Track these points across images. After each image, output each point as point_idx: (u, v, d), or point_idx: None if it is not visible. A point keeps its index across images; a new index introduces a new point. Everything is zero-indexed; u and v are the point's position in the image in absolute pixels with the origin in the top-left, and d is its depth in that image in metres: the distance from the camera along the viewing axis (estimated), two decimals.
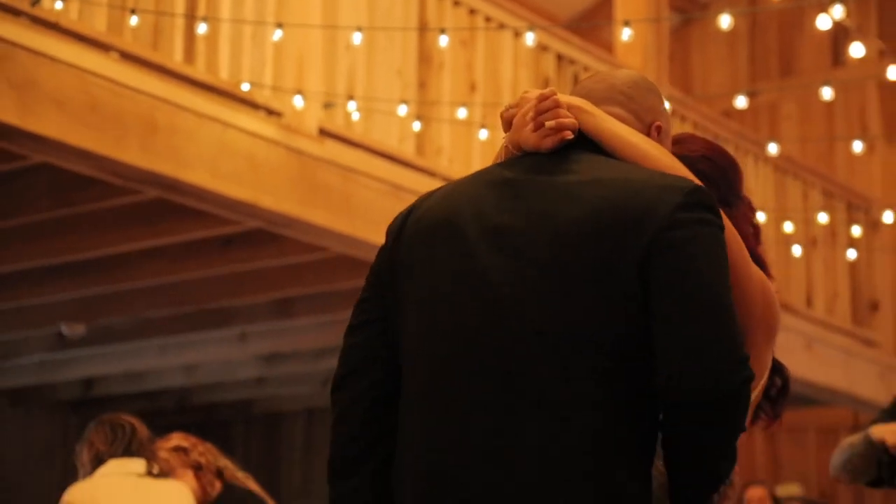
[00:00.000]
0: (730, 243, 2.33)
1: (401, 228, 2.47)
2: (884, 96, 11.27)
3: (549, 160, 2.41)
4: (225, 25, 6.26)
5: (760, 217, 9.11)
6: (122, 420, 5.11)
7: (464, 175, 2.57)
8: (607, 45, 9.15)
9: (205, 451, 5.47)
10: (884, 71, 8.17)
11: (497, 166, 2.48)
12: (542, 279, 2.28)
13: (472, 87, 7.42)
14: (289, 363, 9.96)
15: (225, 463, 5.52)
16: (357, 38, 6.67)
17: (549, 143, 2.41)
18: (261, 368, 10.21)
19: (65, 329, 8.92)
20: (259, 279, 7.92)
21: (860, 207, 10.46)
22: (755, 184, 9.51)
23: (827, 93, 7.82)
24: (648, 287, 2.23)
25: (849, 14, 7.65)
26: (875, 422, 4.22)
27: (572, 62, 8.03)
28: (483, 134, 7.22)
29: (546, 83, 7.71)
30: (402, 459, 2.37)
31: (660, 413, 2.28)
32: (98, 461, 5.03)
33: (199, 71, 6.08)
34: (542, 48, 7.84)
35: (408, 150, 7.08)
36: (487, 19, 7.47)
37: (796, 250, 9.53)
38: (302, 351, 9.54)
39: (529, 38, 7.42)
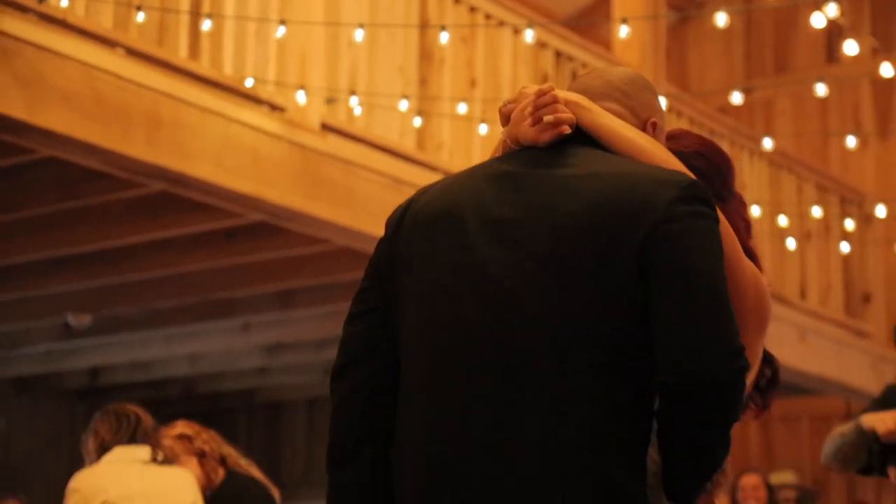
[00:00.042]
0: (724, 237, 2.33)
1: (400, 221, 2.47)
2: (877, 93, 11.27)
3: (546, 154, 2.41)
4: (229, 22, 6.26)
5: (755, 211, 9.17)
6: (126, 410, 5.13)
7: (464, 169, 2.57)
8: (605, 43, 9.15)
9: (208, 439, 5.48)
10: (877, 68, 8.18)
11: (496, 160, 2.48)
12: (542, 272, 2.28)
13: (473, 83, 7.42)
14: (291, 353, 9.96)
15: (228, 450, 5.53)
16: (359, 34, 6.67)
17: (546, 137, 2.42)
18: (264, 358, 10.21)
19: (71, 319, 8.93)
20: (262, 271, 7.92)
21: (853, 201, 10.47)
22: (750, 178, 9.51)
23: (821, 89, 7.83)
24: (646, 279, 2.23)
25: (842, 12, 7.64)
26: (865, 411, 4.23)
27: (571, 59, 8.03)
28: (483, 129, 7.22)
29: (545, 79, 7.71)
30: (402, 451, 2.36)
31: (655, 406, 2.29)
32: (104, 449, 5.04)
33: (203, 67, 6.08)
34: (540, 45, 7.84)
35: (409, 145, 7.08)
36: (487, 17, 7.47)
37: (790, 243, 9.53)
38: (304, 341, 9.55)
39: (529, 36, 7.42)
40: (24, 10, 5.34)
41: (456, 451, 2.27)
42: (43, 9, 5.40)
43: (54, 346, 9.98)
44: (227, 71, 6.21)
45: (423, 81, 7.30)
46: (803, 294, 9.89)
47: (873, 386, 8.74)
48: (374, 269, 2.49)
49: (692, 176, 2.37)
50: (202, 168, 5.87)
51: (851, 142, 9.54)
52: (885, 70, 7.85)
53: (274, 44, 6.39)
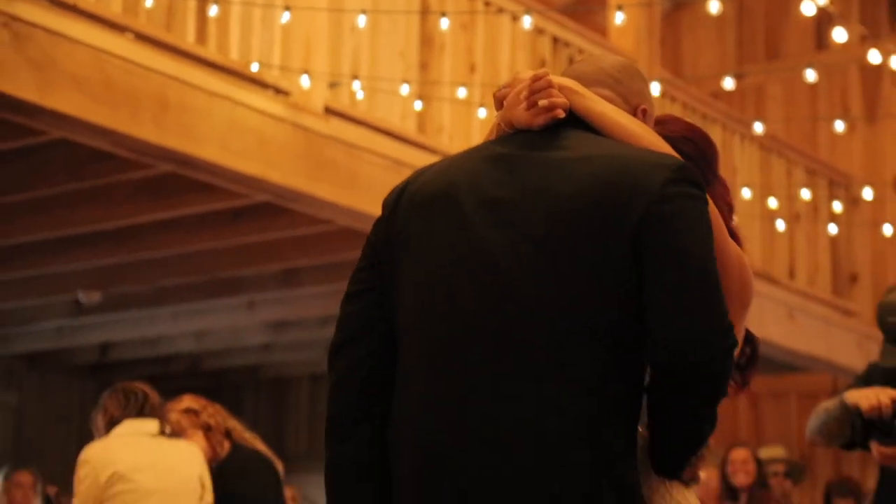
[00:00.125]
0: (712, 218, 2.34)
1: (397, 201, 2.45)
2: (865, 79, 11.25)
3: (541, 137, 2.40)
4: (235, 8, 6.25)
5: (746, 193, 9.15)
6: (134, 387, 5.14)
7: (460, 152, 2.56)
8: (601, 29, 9.13)
9: (214, 413, 5.49)
10: (865, 55, 8.17)
11: (491, 142, 2.48)
12: (537, 257, 2.27)
13: (472, 69, 7.41)
14: (295, 330, 9.97)
15: (233, 424, 5.53)
16: (362, 20, 6.65)
17: (540, 120, 2.41)
18: (268, 335, 10.23)
19: (81, 296, 8.93)
20: (267, 250, 7.92)
21: (841, 184, 10.46)
22: (741, 162, 9.50)
23: (811, 75, 7.82)
24: (640, 259, 2.23)
25: (832, 0, 7.63)
26: (850, 388, 4.24)
27: (567, 45, 8.01)
28: (482, 113, 7.21)
29: (542, 65, 7.69)
30: (399, 432, 2.35)
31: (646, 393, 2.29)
32: (112, 425, 5.05)
33: (210, 51, 6.07)
34: (538, 31, 7.83)
35: (410, 128, 7.07)
36: (486, 3, 7.45)
37: (780, 225, 9.53)
38: (308, 319, 9.55)
39: (526, 22, 7.40)
40: None
41: (454, 441, 2.26)
42: None
43: (65, 323, 9.99)
44: (234, 56, 6.20)
45: (424, 66, 7.29)
46: (792, 274, 9.89)
47: (859, 363, 8.75)
48: (371, 249, 2.48)
49: (682, 159, 2.37)
50: (209, 150, 5.86)
51: (840, 126, 9.53)
52: (873, 56, 7.85)
53: (279, 29, 6.37)
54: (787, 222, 9.69)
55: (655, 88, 8.03)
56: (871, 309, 10.44)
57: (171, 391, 5.76)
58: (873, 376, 4.25)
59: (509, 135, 2.46)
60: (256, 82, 6.17)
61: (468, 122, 7.30)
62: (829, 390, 10.38)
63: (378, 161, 6.60)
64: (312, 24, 6.44)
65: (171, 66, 5.74)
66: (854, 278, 10.65)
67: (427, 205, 2.40)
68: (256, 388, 12.52)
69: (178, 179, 6.43)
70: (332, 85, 6.64)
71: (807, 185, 9.89)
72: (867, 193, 9.83)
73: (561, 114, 2.41)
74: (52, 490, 8.42)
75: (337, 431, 2.44)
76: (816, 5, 7.10)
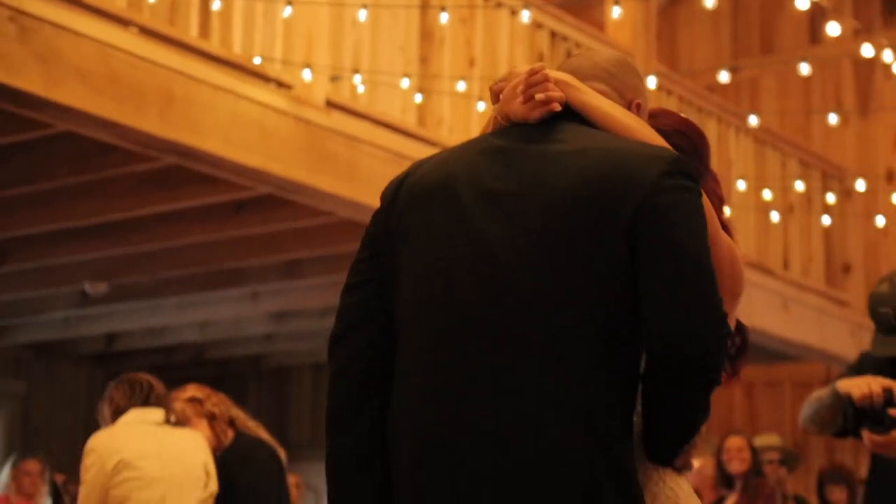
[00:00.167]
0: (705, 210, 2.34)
1: (395, 193, 2.44)
2: (857, 72, 11.24)
3: (537, 130, 2.40)
4: (238, 2, 6.25)
5: (741, 185, 9.15)
6: (139, 378, 5.14)
7: (457, 144, 2.55)
8: (598, 23, 9.12)
9: (218, 402, 5.48)
10: (857, 49, 8.16)
11: (488, 135, 2.47)
12: (534, 249, 2.26)
13: (471, 62, 7.40)
14: (297, 320, 9.97)
15: (237, 413, 5.53)
16: (362, 15, 6.64)
17: (537, 114, 2.41)
18: (271, 325, 10.23)
19: (88, 287, 8.93)
20: (269, 242, 7.92)
21: (834, 176, 10.46)
22: (736, 154, 9.50)
23: (804, 69, 7.80)
24: (635, 251, 2.22)
25: None
26: (842, 376, 4.23)
27: (565, 39, 8.00)
28: (481, 106, 7.20)
29: (541, 59, 7.69)
30: (398, 423, 2.34)
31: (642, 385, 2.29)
32: (118, 414, 5.05)
33: (213, 45, 6.06)
34: (536, 25, 7.82)
35: (410, 121, 7.06)
36: None
37: (774, 216, 9.53)
38: (309, 309, 9.55)
39: (525, 16, 7.40)
40: None
41: (453, 433, 2.25)
42: None
43: (72, 313, 9.99)
44: (237, 49, 6.19)
45: (424, 60, 7.29)
46: (786, 265, 9.89)
47: (853, 352, 8.75)
48: (370, 241, 2.47)
49: (677, 152, 2.37)
50: (212, 142, 5.85)
51: (833, 119, 9.53)
52: (866, 50, 7.84)
53: (281, 23, 6.37)
54: (782, 214, 9.69)
55: (652, 82, 8.02)
56: (863, 299, 10.42)
57: (175, 380, 5.76)
58: (865, 365, 4.25)
59: (506, 128, 2.45)
60: (259, 76, 6.17)
61: (468, 115, 7.29)
62: (822, 379, 10.37)
63: (379, 154, 6.59)
64: (314, 19, 6.43)
65: (175, 60, 5.73)
66: (847, 269, 10.65)
67: (426, 196, 2.39)
68: (259, 378, 12.52)
69: (182, 172, 6.43)
70: (334, 78, 6.63)
71: (801, 177, 9.89)
72: (860, 185, 9.83)
73: (557, 107, 2.40)
74: (59, 478, 8.43)
75: (337, 422, 2.43)
76: (810, 0, 7.09)
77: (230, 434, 5.45)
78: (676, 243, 2.22)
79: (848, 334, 10.02)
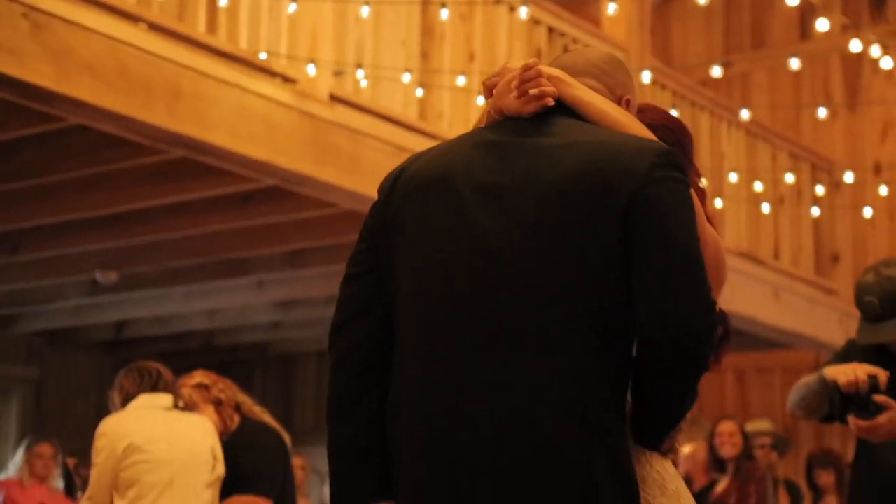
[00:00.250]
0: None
1: (392, 186, 2.44)
2: (846, 67, 11.23)
3: (530, 124, 2.40)
4: None
5: (733, 177, 9.13)
6: (148, 366, 5.14)
7: (453, 138, 2.55)
8: (595, 20, 9.10)
9: (224, 388, 5.48)
10: (846, 44, 8.16)
11: (482, 129, 2.47)
12: (528, 243, 2.25)
13: (471, 58, 7.39)
14: (302, 309, 9.97)
15: (243, 398, 5.53)
16: (365, 11, 6.63)
17: (530, 108, 2.41)
18: (276, 313, 10.23)
19: (99, 276, 8.93)
20: (275, 232, 7.92)
21: (823, 169, 10.45)
22: (728, 147, 9.49)
23: (794, 64, 7.79)
24: (629, 241, 2.22)
25: None
26: (828, 364, 4.23)
27: (562, 35, 7.99)
28: (481, 100, 7.18)
29: (538, 54, 7.68)
30: (398, 415, 2.33)
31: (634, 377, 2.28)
32: (128, 401, 5.05)
33: (220, 41, 6.06)
34: (534, 22, 7.81)
35: (411, 115, 7.06)
36: None
37: (765, 207, 9.53)
38: (314, 298, 9.55)
39: (523, 13, 7.38)
40: None
41: (452, 427, 2.24)
42: None
43: (83, 302, 9.99)
44: (243, 45, 6.18)
45: (425, 55, 7.28)
46: (777, 255, 9.89)
47: (841, 340, 8.74)
48: (368, 233, 2.46)
49: (666, 145, 2.37)
50: (219, 136, 5.85)
51: (822, 113, 9.51)
52: (854, 46, 7.83)
53: (286, 19, 6.36)
54: (772, 205, 9.68)
55: (646, 77, 8.02)
56: (851, 288, 10.39)
57: (184, 367, 5.75)
58: (851, 353, 4.25)
59: (499, 122, 2.45)
60: (264, 71, 6.16)
61: (467, 109, 7.29)
62: (812, 366, 10.37)
63: (381, 146, 6.59)
64: (318, 15, 6.42)
65: (183, 55, 5.72)
66: (836, 259, 10.65)
67: (423, 189, 2.38)
68: (265, 364, 12.52)
69: (190, 164, 6.42)
70: (337, 73, 6.62)
71: (791, 170, 9.88)
72: (848, 177, 9.81)
73: (550, 102, 2.41)
74: (71, 461, 8.44)
75: (336, 412, 2.42)
76: None
77: (236, 419, 5.45)
78: (667, 235, 2.21)
79: (836, 322, 10.02)
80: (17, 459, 8.52)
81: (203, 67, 5.80)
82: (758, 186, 9.41)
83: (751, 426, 8.47)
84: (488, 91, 2.51)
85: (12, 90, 5.25)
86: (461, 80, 7.14)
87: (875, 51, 7.88)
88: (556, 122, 2.39)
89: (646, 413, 2.30)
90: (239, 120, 5.93)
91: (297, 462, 7.63)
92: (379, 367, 2.38)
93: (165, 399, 5.06)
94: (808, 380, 4.21)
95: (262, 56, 6.20)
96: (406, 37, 7.11)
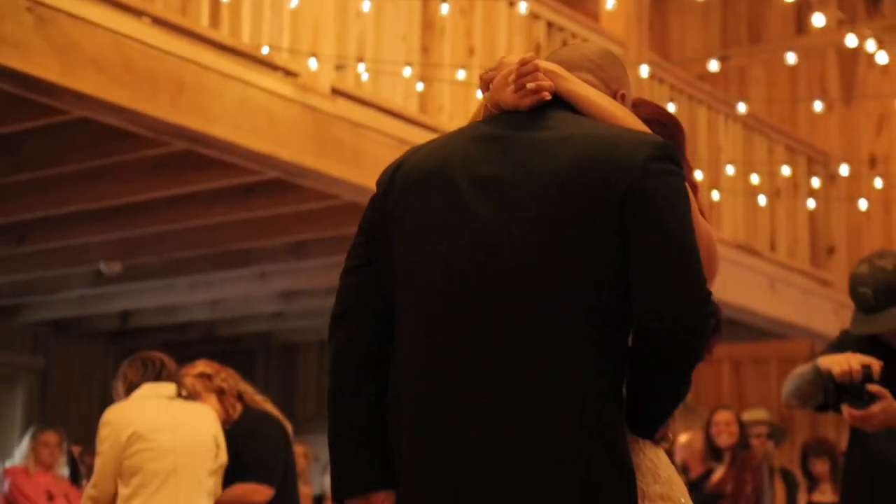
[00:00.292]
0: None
1: (391, 179, 2.43)
2: (842, 62, 11.22)
3: (527, 118, 2.39)
4: None
5: (730, 170, 9.13)
6: (152, 356, 5.14)
7: (451, 132, 2.55)
8: (593, 15, 9.10)
9: (227, 377, 5.48)
10: (842, 39, 8.14)
11: (479, 123, 2.46)
12: (527, 237, 2.24)
13: (471, 52, 7.39)
14: (304, 299, 9.98)
15: (245, 387, 5.53)
16: (366, 5, 6.63)
17: (527, 102, 2.40)
18: (279, 304, 10.23)
19: (103, 267, 8.93)
20: (277, 224, 7.92)
21: (819, 161, 10.45)
22: (725, 140, 9.49)
23: (791, 58, 7.79)
24: (626, 234, 2.21)
25: None
26: (823, 354, 4.23)
27: (561, 29, 7.98)
28: (480, 94, 7.17)
29: (538, 49, 7.67)
30: (398, 413, 2.33)
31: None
32: (132, 390, 5.05)
33: (223, 35, 6.05)
34: (533, 16, 7.80)
35: (412, 108, 7.06)
36: None
37: (762, 200, 9.53)
38: (316, 288, 9.56)
39: (522, 7, 7.38)
40: None
41: (452, 426, 2.23)
42: None
43: (88, 292, 10.00)
44: (245, 39, 6.18)
45: (426, 49, 7.27)
46: (773, 246, 9.89)
47: (836, 330, 8.72)
48: (367, 225, 2.45)
49: (661, 138, 2.37)
50: (222, 128, 5.85)
51: (818, 107, 9.52)
52: (850, 41, 7.83)
53: (288, 14, 6.35)
54: (769, 197, 9.68)
55: (644, 71, 8.01)
56: (846, 279, 10.41)
57: (187, 356, 5.76)
58: (845, 343, 4.25)
59: (496, 115, 2.45)
60: (267, 64, 6.16)
61: (467, 103, 7.28)
62: (807, 356, 10.36)
63: (382, 139, 6.58)
64: (320, 9, 6.42)
65: (186, 49, 5.72)
66: (831, 250, 10.65)
67: (422, 182, 2.38)
68: (268, 354, 12.53)
69: (193, 156, 6.42)
70: (339, 67, 6.62)
71: (787, 163, 9.88)
72: (844, 170, 9.82)
73: (547, 96, 2.40)
74: (76, 449, 8.46)
75: (337, 403, 2.41)
76: None
77: (238, 408, 5.46)
78: (664, 228, 2.21)
79: (831, 313, 10.03)
80: (23, 447, 8.54)
81: (206, 61, 5.80)
82: (754, 179, 9.40)
83: (747, 415, 8.47)
84: (485, 85, 2.51)
85: (17, 83, 5.25)
86: (461, 74, 7.13)
87: (870, 45, 7.87)
88: (552, 116, 2.38)
89: (641, 402, 2.29)
90: (242, 113, 5.93)
91: (299, 450, 7.64)
92: (378, 360, 2.38)
93: (169, 388, 5.06)
94: (802, 369, 4.21)
95: (265, 50, 6.20)
96: (407, 31, 7.11)
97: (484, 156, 2.35)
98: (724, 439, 7.69)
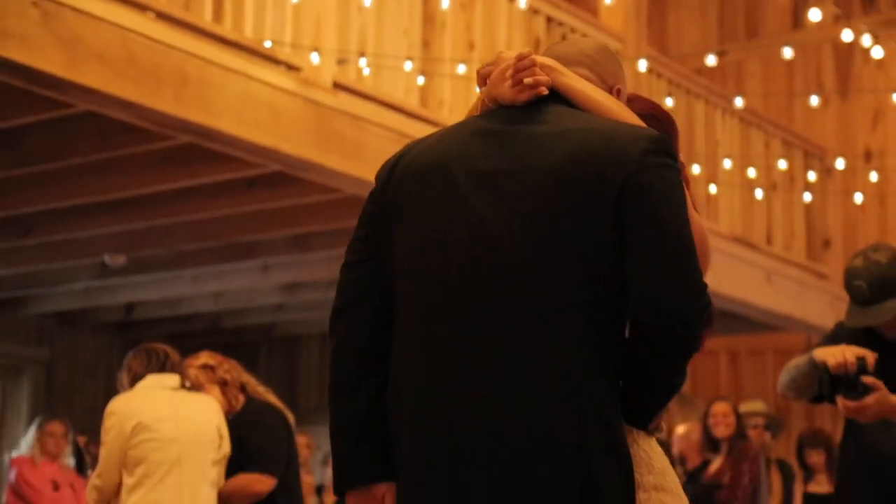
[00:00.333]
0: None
1: (390, 174, 2.43)
2: (838, 56, 11.22)
3: (524, 112, 2.39)
4: None
5: (727, 163, 9.13)
6: (156, 347, 5.15)
7: (448, 126, 2.55)
8: (592, 9, 9.09)
9: (230, 369, 5.48)
10: (838, 34, 8.14)
11: (477, 117, 2.46)
12: (525, 231, 2.24)
13: (471, 46, 7.38)
14: (306, 291, 9.98)
15: (247, 378, 5.53)
16: (368, 0, 6.62)
17: (525, 97, 2.41)
18: (281, 296, 10.23)
19: (108, 259, 8.93)
20: (280, 216, 7.92)
21: (815, 155, 10.44)
22: (723, 134, 9.49)
23: (787, 53, 7.79)
24: (622, 227, 2.21)
25: None
26: (818, 346, 4.24)
27: (560, 24, 7.98)
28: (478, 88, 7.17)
29: (537, 43, 7.67)
30: (399, 407, 2.33)
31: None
32: (136, 381, 5.06)
33: (226, 29, 6.05)
34: (533, 11, 7.79)
35: (413, 102, 7.05)
36: None
37: (758, 193, 9.53)
38: (318, 281, 9.56)
39: (522, 2, 7.37)
40: None
41: (451, 420, 2.23)
42: None
43: (92, 284, 10.00)
44: (248, 33, 6.17)
45: (426, 44, 7.27)
46: (769, 240, 9.89)
47: (832, 323, 8.72)
48: (367, 219, 2.45)
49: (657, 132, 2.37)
50: (225, 122, 5.84)
51: (814, 101, 9.50)
52: (846, 35, 7.83)
53: (290, 8, 6.35)
54: (765, 191, 9.68)
55: (643, 65, 8.00)
56: (842, 272, 10.41)
57: (191, 348, 5.76)
58: (840, 335, 4.26)
59: (493, 110, 2.45)
60: (269, 59, 6.15)
61: (468, 97, 7.27)
62: (803, 348, 10.37)
63: (383, 133, 6.58)
64: (322, 4, 6.41)
65: (189, 44, 5.72)
66: (827, 243, 10.65)
67: (421, 176, 2.38)
68: (270, 346, 12.54)
69: (197, 150, 6.42)
70: (340, 61, 6.61)
71: (783, 156, 9.88)
72: (839, 164, 9.82)
73: (544, 91, 2.40)
74: (81, 439, 8.47)
75: (337, 398, 2.41)
76: None
77: (241, 399, 5.46)
78: (660, 222, 2.21)
79: (827, 305, 10.03)
80: (29, 438, 8.55)
81: (209, 56, 5.80)
82: (751, 173, 9.40)
83: (745, 407, 8.47)
84: (482, 80, 2.51)
85: (23, 77, 5.25)
86: (461, 69, 7.13)
87: (866, 40, 7.87)
88: (548, 111, 2.39)
89: (636, 393, 2.29)
90: (244, 107, 5.93)
91: (301, 440, 7.64)
92: (377, 354, 2.38)
93: (172, 379, 5.06)
94: (798, 361, 4.21)
95: (267, 44, 6.20)
96: (408, 26, 7.10)
97: (482, 150, 2.35)
98: (722, 430, 7.70)
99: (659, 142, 2.29)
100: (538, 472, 2.16)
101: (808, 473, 8.19)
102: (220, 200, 7.55)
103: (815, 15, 7.67)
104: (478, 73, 2.53)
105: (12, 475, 8.40)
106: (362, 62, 6.73)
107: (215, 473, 5.08)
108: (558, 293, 2.21)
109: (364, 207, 2.47)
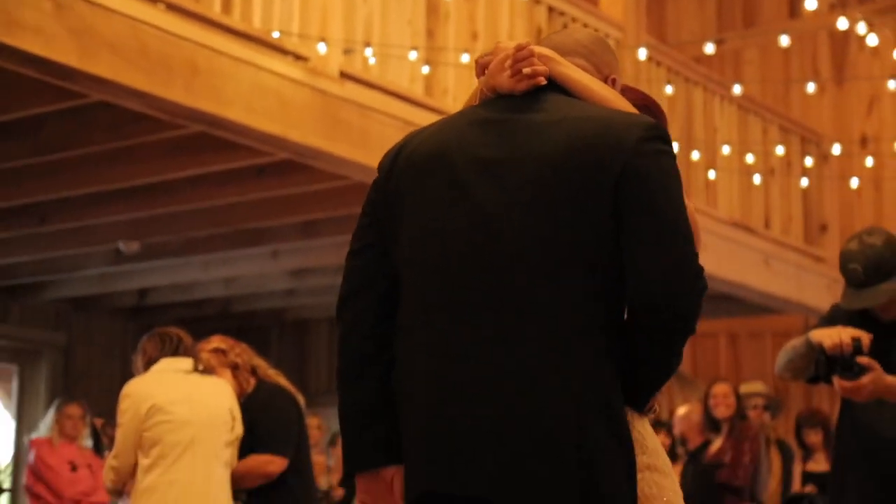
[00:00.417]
0: None
1: (393, 162, 2.43)
2: (833, 44, 11.18)
3: (522, 101, 2.39)
4: None
5: (725, 150, 9.11)
6: (169, 331, 5.16)
7: (449, 115, 2.54)
8: None
9: (241, 352, 5.49)
10: (833, 22, 8.12)
11: (476, 107, 2.46)
12: (525, 220, 2.23)
13: (474, 36, 7.37)
14: (315, 277, 9.98)
15: (258, 362, 5.54)
16: None
17: (523, 86, 2.40)
18: (290, 281, 10.23)
19: (121, 246, 8.94)
20: (288, 204, 7.91)
21: (812, 141, 10.42)
22: (721, 121, 9.47)
23: (784, 41, 7.77)
24: (619, 215, 2.21)
25: None
26: (815, 327, 4.24)
27: (562, 14, 7.96)
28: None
29: (539, 33, 7.65)
30: (402, 385, 2.33)
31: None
32: (150, 365, 5.07)
33: (235, 20, 6.04)
34: (535, 1, 7.77)
35: (418, 91, 7.04)
36: None
37: (756, 179, 9.51)
38: (326, 266, 9.55)
39: None
40: None
41: (451, 412, 2.23)
42: None
43: (107, 270, 10.01)
44: (257, 24, 6.16)
45: (431, 34, 7.25)
46: (767, 224, 9.88)
47: (829, 305, 8.71)
48: (370, 207, 2.45)
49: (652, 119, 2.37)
50: (235, 111, 5.84)
51: (811, 88, 9.49)
52: (841, 23, 7.80)
53: (297, 0, 6.33)
54: (763, 176, 9.67)
55: (642, 53, 7.98)
56: (838, 255, 10.41)
57: (203, 332, 5.76)
58: (836, 317, 4.26)
59: (492, 99, 2.45)
60: (277, 49, 6.14)
61: (471, 85, 7.23)
62: (801, 330, 10.37)
63: (389, 121, 6.57)
64: None
65: (199, 34, 5.71)
66: (824, 228, 10.63)
67: (422, 165, 2.37)
68: (281, 330, 12.54)
69: (207, 139, 6.42)
70: (347, 51, 6.60)
71: (781, 143, 9.86)
72: (836, 150, 9.80)
73: (542, 80, 2.41)
74: (98, 421, 8.47)
75: (343, 385, 2.42)
76: None
77: (252, 382, 5.46)
78: (656, 210, 2.21)
79: (824, 288, 10.02)
80: (48, 420, 8.58)
81: (219, 46, 5.79)
82: (749, 158, 9.39)
83: (744, 388, 8.47)
84: (481, 69, 2.51)
85: (38, 67, 5.24)
86: (465, 58, 7.11)
87: (861, 28, 7.84)
88: (546, 99, 2.38)
89: (633, 376, 2.28)
90: (253, 96, 5.92)
91: (312, 422, 7.66)
92: (382, 342, 2.38)
93: (186, 363, 5.07)
94: (795, 343, 4.22)
95: (275, 35, 6.19)
96: (412, 16, 7.08)
97: (481, 139, 2.34)
98: (722, 411, 7.69)
99: (654, 129, 2.29)
100: (538, 472, 2.16)
101: (807, 453, 8.19)
102: (230, 188, 7.54)
103: (811, 3, 7.64)
104: (476, 62, 2.52)
105: (31, 456, 8.42)
106: (368, 52, 6.72)
107: (228, 454, 5.09)
108: (557, 282, 2.20)
109: (367, 196, 2.47)
